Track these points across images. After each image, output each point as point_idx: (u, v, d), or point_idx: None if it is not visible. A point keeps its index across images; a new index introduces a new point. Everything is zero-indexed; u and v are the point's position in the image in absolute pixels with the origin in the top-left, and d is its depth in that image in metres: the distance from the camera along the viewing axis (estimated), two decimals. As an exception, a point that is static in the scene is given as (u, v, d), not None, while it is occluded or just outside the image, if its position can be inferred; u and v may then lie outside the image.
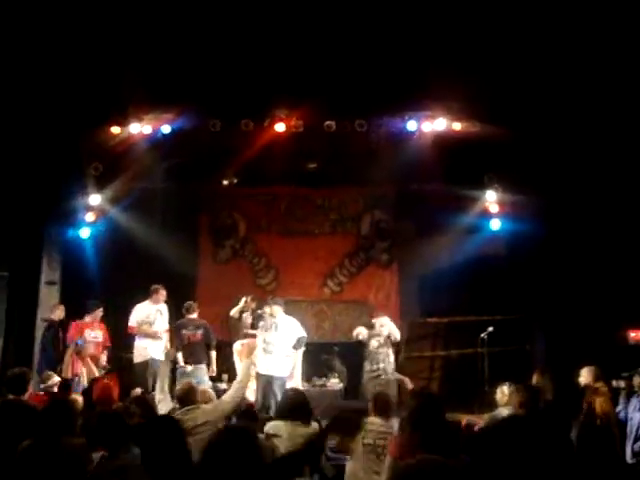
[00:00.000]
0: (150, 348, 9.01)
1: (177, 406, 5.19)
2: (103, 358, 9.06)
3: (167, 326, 9.32)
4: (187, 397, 5.10)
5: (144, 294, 9.27)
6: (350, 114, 9.97)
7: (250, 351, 5.97)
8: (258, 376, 8.62)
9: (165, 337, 9.22)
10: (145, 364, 8.87)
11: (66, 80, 8.71)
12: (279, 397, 7.34)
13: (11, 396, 5.01)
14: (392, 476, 3.02)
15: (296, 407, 5.00)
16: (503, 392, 6.12)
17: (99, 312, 9.13)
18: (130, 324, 9.14)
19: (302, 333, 8.96)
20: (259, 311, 9.32)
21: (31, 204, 9.33)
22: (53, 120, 9.03)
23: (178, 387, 5.40)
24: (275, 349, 8.73)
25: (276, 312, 8.94)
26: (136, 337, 9.15)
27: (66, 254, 9.99)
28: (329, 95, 9.59)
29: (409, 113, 9.90)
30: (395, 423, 5.34)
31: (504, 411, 5.74)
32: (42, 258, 9.72)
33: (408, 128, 10.00)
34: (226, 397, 5.31)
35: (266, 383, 8.57)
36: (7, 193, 9.06)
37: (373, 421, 5.24)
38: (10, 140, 8.90)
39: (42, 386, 7.12)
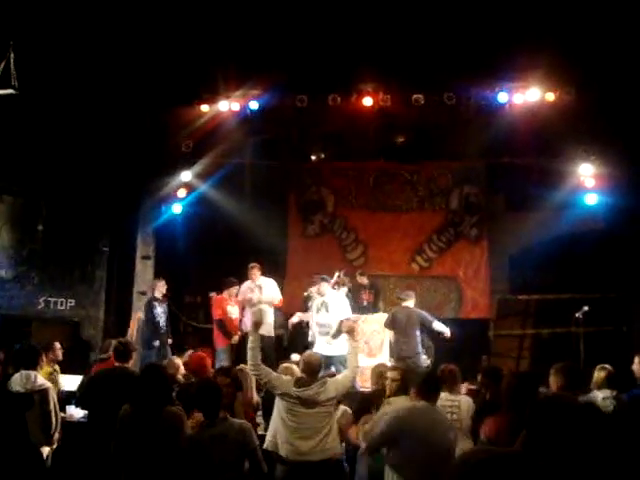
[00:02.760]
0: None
1: (299, 378, 5.24)
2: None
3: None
4: (318, 370, 5.20)
5: (234, 268, 9.46)
6: (438, 87, 9.78)
7: (350, 329, 5.98)
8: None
9: (269, 311, 9.01)
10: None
11: (157, 60, 8.95)
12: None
13: (117, 364, 5.42)
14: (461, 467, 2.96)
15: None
16: (600, 375, 5.85)
17: (234, 289, 9.32)
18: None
19: (347, 314, 8.59)
20: (306, 292, 9.18)
21: (127, 181, 9.67)
22: (145, 99, 9.30)
23: (309, 359, 5.34)
24: (330, 330, 8.48)
25: (324, 290, 8.71)
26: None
27: (159, 229, 10.32)
28: (417, 68, 9.45)
29: (500, 84, 9.59)
30: (462, 397, 5.36)
31: (600, 395, 5.54)
32: (138, 234, 10.08)
33: (499, 100, 9.71)
34: (347, 372, 5.39)
35: (327, 365, 8.08)
36: (105, 171, 9.43)
37: (440, 397, 5.19)
38: (105, 120, 9.24)
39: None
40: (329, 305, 8.60)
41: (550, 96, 9.56)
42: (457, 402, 5.25)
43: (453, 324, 9.27)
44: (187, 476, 4.06)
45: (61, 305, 9.45)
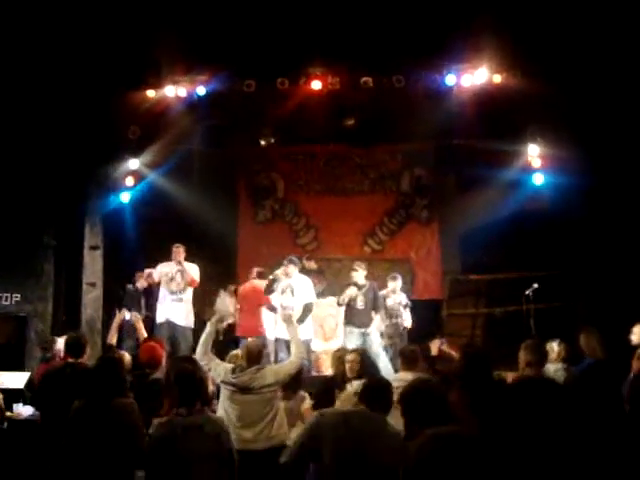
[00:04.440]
0: (168, 310, 8.59)
1: (237, 365, 5.20)
2: None
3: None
4: (257, 356, 5.14)
5: (185, 257, 9.31)
6: (387, 69, 9.76)
7: (286, 318, 5.99)
8: (277, 342, 8.31)
9: (188, 300, 8.74)
10: (164, 325, 8.49)
11: (100, 44, 8.69)
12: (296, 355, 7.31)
13: (70, 360, 5.26)
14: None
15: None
16: (552, 348, 6.00)
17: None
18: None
19: (311, 299, 8.50)
20: (273, 274, 8.81)
21: (72, 169, 9.39)
22: (89, 85, 9.03)
23: (249, 345, 5.37)
24: (294, 313, 8.18)
25: (291, 272, 8.49)
26: (159, 295, 8.77)
27: (107, 219, 10.07)
28: (365, 50, 9.41)
29: (447, 66, 9.63)
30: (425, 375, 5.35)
31: (552, 367, 5.67)
32: (85, 223, 9.82)
33: (447, 82, 9.75)
34: (291, 358, 5.37)
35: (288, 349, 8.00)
36: (47, 161, 9.14)
37: (403, 377, 5.17)
38: (47, 106, 8.94)
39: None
40: (294, 288, 8.46)
41: (497, 78, 9.62)
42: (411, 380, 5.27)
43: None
44: (155, 467, 3.82)
45: (6, 300, 9.14)
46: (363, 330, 8.53)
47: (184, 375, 4.07)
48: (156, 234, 10.25)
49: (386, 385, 4.00)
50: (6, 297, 9.14)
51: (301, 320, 8.04)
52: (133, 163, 10.09)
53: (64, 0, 8.19)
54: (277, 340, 8.37)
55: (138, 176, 10.23)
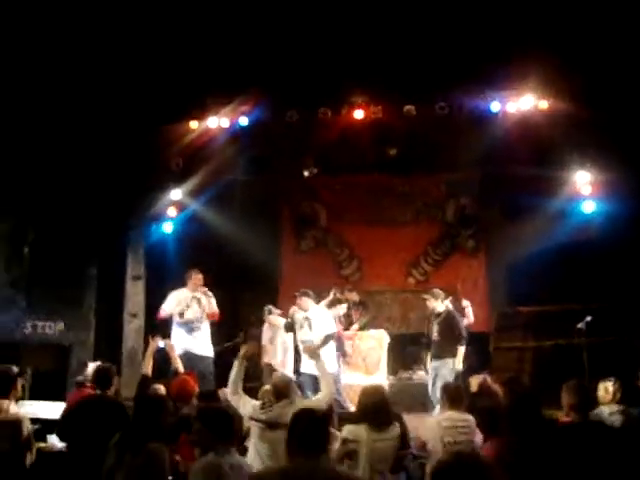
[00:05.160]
0: (185, 340, 8.01)
1: (266, 400, 5.04)
2: None
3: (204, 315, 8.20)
4: (285, 391, 4.97)
5: (224, 287, 9.25)
6: (430, 97, 9.65)
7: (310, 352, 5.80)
8: (302, 376, 7.95)
9: (206, 328, 8.21)
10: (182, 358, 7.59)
11: (145, 77, 8.81)
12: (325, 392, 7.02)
13: (98, 391, 5.18)
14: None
15: (375, 409, 4.69)
16: (606, 389, 5.59)
17: None
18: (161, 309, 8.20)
19: (331, 329, 8.18)
20: (289, 317, 8.56)
21: (115, 201, 9.48)
22: (133, 117, 9.15)
23: (275, 379, 5.23)
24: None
25: (307, 305, 8.24)
26: (173, 325, 8.17)
27: (150, 249, 10.12)
28: (408, 78, 9.32)
29: (492, 93, 9.47)
30: (470, 416, 5.03)
31: (606, 410, 5.31)
32: (127, 253, 9.88)
33: (491, 109, 9.58)
34: (321, 393, 5.20)
35: (313, 384, 7.65)
36: (92, 191, 9.26)
37: (450, 416, 4.94)
38: (92, 138, 9.08)
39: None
40: (312, 321, 8.19)
41: (543, 104, 9.43)
42: (468, 421, 4.94)
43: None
44: None
45: (49, 329, 9.21)
46: (436, 363, 8.21)
47: (220, 414, 3.92)
48: (199, 264, 10.21)
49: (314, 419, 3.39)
50: (49, 326, 9.21)
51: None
52: (176, 194, 10.14)
53: (111, 33, 8.30)
54: (301, 374, 8.08)
55: (181, 206, 10.28)
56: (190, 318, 8.05)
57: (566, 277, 9.77)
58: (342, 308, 9.05)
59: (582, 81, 8.71)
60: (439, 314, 8.40)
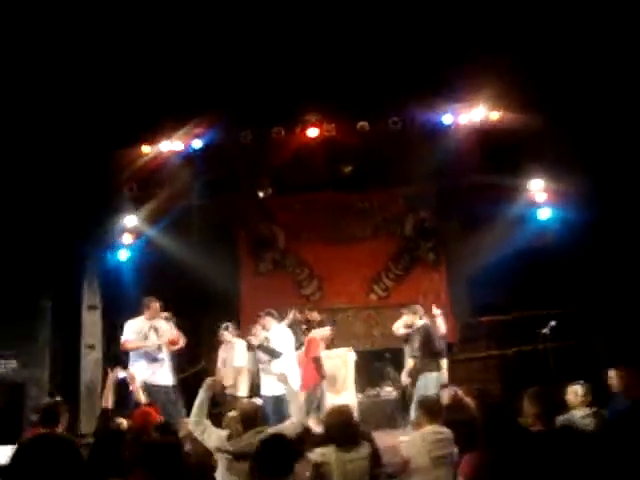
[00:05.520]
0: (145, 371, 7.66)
1: (233, 430, 4.83)
2: None
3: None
4: (254, 418, 4.80)
5: (186, 313, 9.03)
6: (383, 112, 9.68)
7: (281, 378, 5.64)
8: (265, 399, 7.71)
9: (165, 357, 7.89)
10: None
11: (94, 100, 8.62)
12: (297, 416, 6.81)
13: (42, 430, 4.82)
14: None
15: (341, 429, 4.57)
16: (576, 393, 5.57)
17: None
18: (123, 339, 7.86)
19: (285, 350, 8.06)
20: (250, 337, 8.42)
21: (68, 228, 9.18)
22: (82, 142, 8.93)
23: (244, 407, 5.06)
24: (273, 367, 7.97)
25: (269, 325, 8.25)
26: (131, 356, 7.84)
27: (105, 277, 9.85)
28: (360, 94, 9.33)
29: (443, 106, 9.54)
30: (446, 428, 4.95)
31: (578, 413, 5.28)
32: (82, 283, 9.58)
33: (444, 121, 9.65)
34: (291, 419, 5.02)
35: (274, 405, 7.64)
36: (43, 218, 8.95)
37: (433, 430, 4.84)
38: (42, 165, 8.81)
39: None
40: (271, 341, 8.14)
41: (494, 115, 9.55)
42: (446, 434, 4.84)
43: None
44: None
45: (2, 367, 8.83)
46: (419, 378, 8.14)
47: (163, 449, 3.66)
48: (156, 291, 9.96)
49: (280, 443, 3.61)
50: (2, 364, 8.82)
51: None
52: (130, 220, 9.92)
53: (63, 56, 8.12)
54: (262, 397, 7.87)
55: (136, 233, 10.06)
56: (148, 348, 7.75)
57: (526, 285, 9.84)
58: (326, 330, 8.87)
59: (534, 90, 8.81)
60: (418, 330, 8.36)
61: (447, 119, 9.67)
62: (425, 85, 9.11)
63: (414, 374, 8.24)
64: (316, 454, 4.52)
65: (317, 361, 8.36)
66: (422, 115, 9.69)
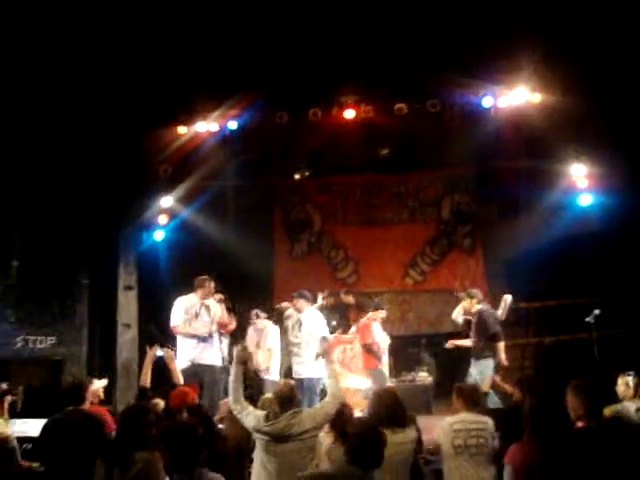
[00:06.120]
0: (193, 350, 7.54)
1: (271, 411, 4.81)
2: None
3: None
4: (290, 400, 4.71)
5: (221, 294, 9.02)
6: (421, 94, 9.52)
7: (325, 351, 5.50)
8: (296, 383, 7.64)
9: (215, 337, 7.80)
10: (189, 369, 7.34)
11: (131, 82, 8.62)
12: (315, 401, 6.64)
13: (70, 407, 4.92)
14: None
15: (390, 411, 4.48)
16: (627, 384, 5.37)
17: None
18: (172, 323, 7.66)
19: (323, 334, 7.74)
20: (284, 307, 8.34)
21: (105, 209, 9.26)
22: (121, 122, 8.95)
23: (280, 388, 4.95)
24: (302, 350, 7.83)
25: (302, 307, 8.00)
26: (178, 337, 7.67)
27: (141, 258, 9.91)
28: (398, 76, 9.18)
29: (484, 88, 9.33)
30: (487, 418, 4.83)
31: (631, 406, 5.10)
32: (119, 263, 9.66)
33: (484, 104, 9.45)
34: (328, 399, 4.89)
35: (306, 389, 7.54)
36: (81, 199, 9.04)
37: (464, 418, 4.75)
38: (80, 146, 8.87)
39: None
40: (303, 323, 7.97)
41: (536, 97, 9.31)
42: (482, 424, 4.72)
43: (452, 338, 8.87)
44: None
45: (40, 343, 8.95)
46: (477, 365, 7.84)
47: (179, 434, 3.69)
48: (190, 271, 10.02)
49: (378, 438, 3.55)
50: (40, 340, 8.96)
51: (316, 357, 7.55)
52: (166, 201, 9.94)
53: (98, 40, 8.12)
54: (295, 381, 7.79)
55: (171, 214, 10.07)
56: (198, 327, 7.58)
57: (566, 271, 9.63)
58: (381, 312, 8.71)
59: (577, 72, 8.58)
60: (473, 315, 8.11)
61: (487, 101, 9.47)
62: (465, 67, 8.93)
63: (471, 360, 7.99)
64: None
65: (370, 347, 8.32)
66: (461, 97, 9.51)
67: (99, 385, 6.18)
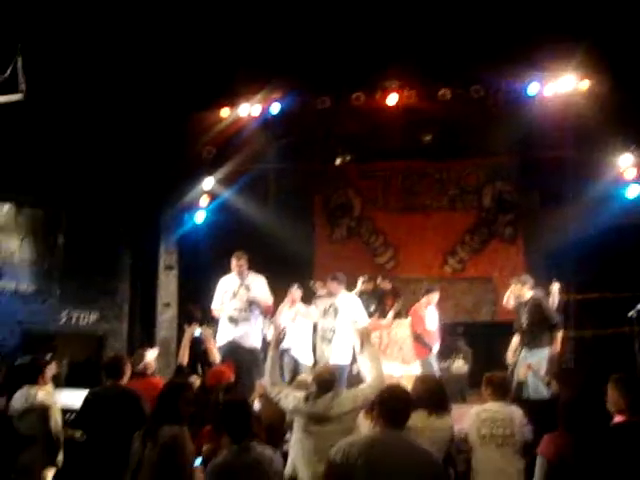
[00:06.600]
0: (232, 330, 7.45)
1: (310, 392, 4.82)
2: None
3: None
4: (330, 382, 4.72)
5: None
6: (465, 80, 9.40)
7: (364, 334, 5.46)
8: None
9: (255, 318, 7.61)
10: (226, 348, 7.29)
11: (174, 65, 8.72)
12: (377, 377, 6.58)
13: (109, 381, 5.12)
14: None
15: (432, 395, 4.53)
16: None
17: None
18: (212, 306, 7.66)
19: (364, 321, 7.48)
20: (317, 292, 8.09)
21: (147, 190, 9.44)
22: (164, 106, 9.07)
23: (320, 371, 4.98)
24: (335, 336, 7.49)
25: (336, 291, 7.60)
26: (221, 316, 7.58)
27: (182, 239, 10.08)
28: (442, 61, 9.09)
29: (529, 75, 9.16)
30: (514, 408, 4.79)
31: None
32: (160, 243, 9.83)
33: (529, 91, 9.29)
34: (370, 382, 4.90)
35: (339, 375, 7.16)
36: (125, 179, 9.22)
37: (491, 407, 4.73)
38: (124, 128, 9.03)
39: None
40: (338, 307, 7.60)
41: (584, 85, 9.11)
42: (510, 414, 4.69)
43: (489, 328, 8.84)
44: None
45: (84, 319, 9.23)
46: (528, 353, 7.59)
47: (233, 407, 3.84)
48: (230, 253, 10.14)
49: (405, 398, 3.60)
50: (83, 316, 9.21)
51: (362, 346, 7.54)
52: (207, 183, 10.06)
53: (140, 21, 8.22)
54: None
55: (212, 196, 10.19)
56: (237, 307, 7.47)
57: (610, 264, 9.42)
58: (434, 296, 8.76)
59: (627, 59, 8.36)
60: (526, 302, 7.82)
61: (532, 88, 9.29)
62: (511, 52, 8.76)
63: (520, 349, 7.78)
64: None
65: (419, 336, 8.37)
66: (506, 84, 9.35)
67: (152, 356, 6.27)
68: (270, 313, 7.82)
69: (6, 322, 8.89)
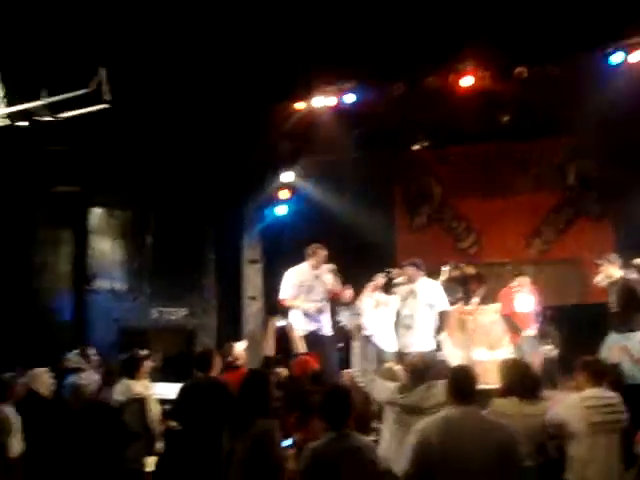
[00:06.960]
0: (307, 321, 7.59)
1: (404, 383, 4.81)
2: None
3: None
4: (424, 373, 4.74)
5: (340, 267, 9.16)
6: (543, 56, 9.10)
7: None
8: (401, 356, 7.24)
9: (328, 308, 7.79)
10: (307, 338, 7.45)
11: (246, 60, 8.85)
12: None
13: (199, 373, 5.35)
14: None
15: (523, 381, 4.42)
16: None
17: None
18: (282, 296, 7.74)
19: (444, 306, 7.52)
20: (394, 278, 8.04)
21: (229, 187, 9.66)
22: (238, 101, 9.22)
23: (414, 360, 4.97)
24: (416, 323, 7.43)
25: (414, 277, 7.53)
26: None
27: (264, 232, 10.27)
28: (516, 38, 8.83)
29: (610, 44, 8.75)
30: (616, 394, 4.55)
31: None
32: (242, 238, 10.05)
33: (612, 61, 8.87)
34: None
35: None
36: (205, 178, 9.47)
37: (593, 395, 4.48)
38: (202, 126, 9.25)
39: None
40: (418, 294, 7.54)
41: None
42: (615, 400, 4.47)
43: (578, 310, 8.58)
44: None
45: (174, 315, 9.59)
46: (618, 337, 7.23)
47: (335, 395, 3.87)
48: (311, 244, 10.27)
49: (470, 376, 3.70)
50: (173, 311, 9.56)
51: (439, 331, 7.41)
52: (287, 176, 10.19)
53: (212, 20, 8.40)
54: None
55: (292, 189, 10.32)
56: (313, 299, 7.59)
57: None
58: (524, 280, 8.72)
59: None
60: (616, 282, 7.42)
61: (616, 58, 8.87)
62: (589, 19, 8.37)
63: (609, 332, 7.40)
64: (496, 405, 4.38)
65: (508, 319, 8.33)
66: (585, 57, 8.97)
67: (241, 347, 6.47)
68: (336, 297, 7.96)
69: (103, 320, 9.36)
